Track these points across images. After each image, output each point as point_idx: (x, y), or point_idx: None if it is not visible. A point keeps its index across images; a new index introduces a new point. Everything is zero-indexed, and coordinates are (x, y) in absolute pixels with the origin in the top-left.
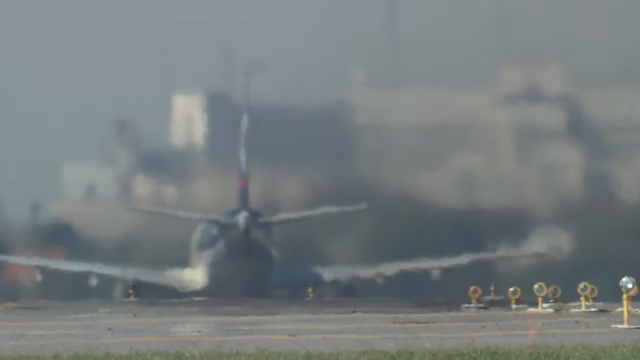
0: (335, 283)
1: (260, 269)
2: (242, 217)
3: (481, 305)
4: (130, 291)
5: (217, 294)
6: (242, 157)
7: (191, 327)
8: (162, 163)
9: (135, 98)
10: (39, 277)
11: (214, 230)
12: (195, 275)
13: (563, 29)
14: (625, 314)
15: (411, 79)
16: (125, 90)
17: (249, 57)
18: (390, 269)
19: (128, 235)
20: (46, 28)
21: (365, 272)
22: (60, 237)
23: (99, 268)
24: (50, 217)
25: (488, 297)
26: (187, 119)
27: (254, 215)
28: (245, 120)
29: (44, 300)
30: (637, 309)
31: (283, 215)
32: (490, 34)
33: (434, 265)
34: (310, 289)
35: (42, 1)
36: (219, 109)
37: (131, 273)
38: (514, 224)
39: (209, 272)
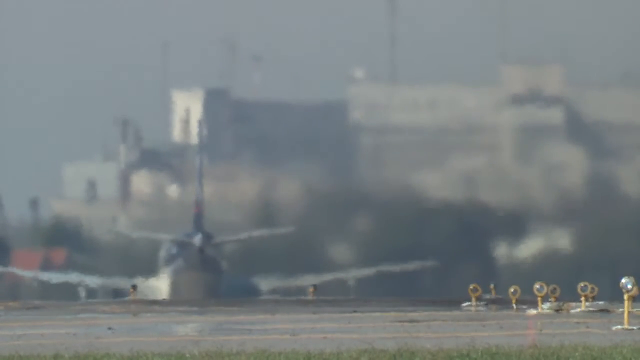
0: (274, 291)
1: (212, 278)
2: (197, 238)
3: (481, 304)
4: (131, 290)
5: (178, 299)
6: (198, 189)
7: (192, 327)
8: (162, 160)
9: (135, 96)
10: (36, 283)
11: (175, 248)
12: (160, 284)
13: (564, 29)
14: (626, 315)
15: (412, 78)
16: (126, 88)
17: (249, 54)
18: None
19: (115, 248)
20: (46, 26)
21: (294, 282)
22: (61, 235)
23: (79, 277)
24: (50, 214)
25: (488, 296)
26: (188, 116)
27: (207, 236)
28: (199, 160)
29: (43, 301)
30: (638, 309)
31: (226, 237)
32: (491, 34)
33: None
34: (311, 289)
35: (43, 0)
36: (219, 106)
37: (109, 282)
38: (515, 224)
39: (171, 281)
